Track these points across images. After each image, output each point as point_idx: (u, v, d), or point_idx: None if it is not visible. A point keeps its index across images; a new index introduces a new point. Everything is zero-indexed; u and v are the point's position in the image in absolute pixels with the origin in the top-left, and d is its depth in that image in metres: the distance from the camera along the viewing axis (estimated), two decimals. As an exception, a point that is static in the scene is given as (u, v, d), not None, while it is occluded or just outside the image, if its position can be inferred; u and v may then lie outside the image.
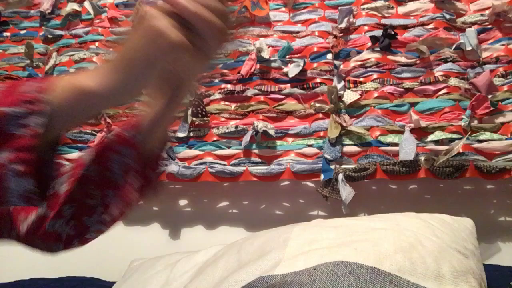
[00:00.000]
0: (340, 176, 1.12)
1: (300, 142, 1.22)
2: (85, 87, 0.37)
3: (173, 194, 1.34)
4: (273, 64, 1.32)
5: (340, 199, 1.11)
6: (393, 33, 1.25)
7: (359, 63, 1.27)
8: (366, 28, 1.31)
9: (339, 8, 1.33)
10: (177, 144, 1.30)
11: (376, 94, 1.21)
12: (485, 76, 1.14)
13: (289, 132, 1.24)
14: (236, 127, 1.26)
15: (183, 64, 0.40)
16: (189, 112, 1.29)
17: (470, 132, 1.11)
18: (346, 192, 1.10)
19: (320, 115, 1.24)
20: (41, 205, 0.43)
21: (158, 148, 0.49)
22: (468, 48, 1.20)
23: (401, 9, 1.32)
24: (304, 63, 1.27)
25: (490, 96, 1.13)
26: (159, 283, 0.96)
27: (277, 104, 1.27)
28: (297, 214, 1.24)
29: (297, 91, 1.27)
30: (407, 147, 1.11)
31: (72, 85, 0.37)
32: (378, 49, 1.26)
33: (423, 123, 1.13)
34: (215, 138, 1.28)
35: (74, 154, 1.31)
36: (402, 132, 1.15)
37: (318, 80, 1.27)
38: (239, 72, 1.33)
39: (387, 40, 1.24)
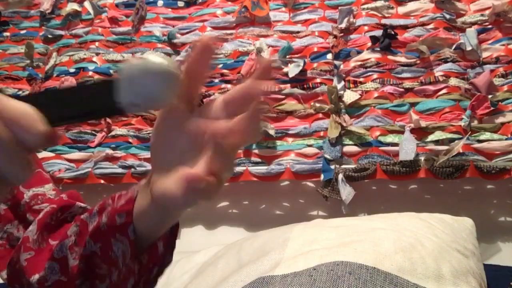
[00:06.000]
0: (340, 176, 1.12)
1: (300, 142, 1.22)
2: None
3: (173, 194, 1.33)
4: (273, 64, 1.32)
5: (340, 199, 1.11)
6: (393, 33, 1.25)
7: (359, 63, 1.26)
8: (366, 28, 1.31)
9: (339, 8, 1.33)
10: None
11: (376, 94, 1.21)
12: (485, 76, 1.14)
13: (289, 132, 1.24)
14: (236, 127, 1.26)
15: None
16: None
17: (470, 132, 1.10)
18: (346, 192, 1.10)
19: (320, 115, 1.24)
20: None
21: (162, 243, 0.46)
22: (468, 48, 1.19)
23: (401, 9, 1.32)
24: (304, 63, 1.27)
25: (490, 96, 1.13)
26: (159, 283, 0.96)
27: (277, 104, 1.27)
28: (297, 214, 1.24)
29: (297, 91, 1.27)
30: (407, 147, 1.11)
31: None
32: (378, 49, 1.26)
33: (423, 123, 1.13)
34: (215, 138, 1.28)
35: (74, 154, 1.31)
36: (402, 132, 1.15)
37: (318, 80, 1.27)
38: (239, 72, 1.33)
39: (387, 40, 1.24)
